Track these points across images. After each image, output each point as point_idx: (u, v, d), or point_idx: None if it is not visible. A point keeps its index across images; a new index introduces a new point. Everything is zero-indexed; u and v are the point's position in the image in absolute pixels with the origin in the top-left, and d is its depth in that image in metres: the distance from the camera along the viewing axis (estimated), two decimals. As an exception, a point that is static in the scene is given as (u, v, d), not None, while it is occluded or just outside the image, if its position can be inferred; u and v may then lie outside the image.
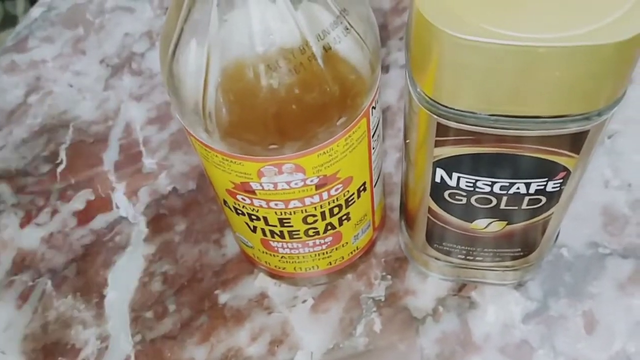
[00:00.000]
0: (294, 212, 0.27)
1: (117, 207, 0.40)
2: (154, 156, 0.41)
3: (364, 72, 0.23)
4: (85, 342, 0.35)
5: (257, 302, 0.35)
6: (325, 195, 0.27)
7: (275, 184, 0.25)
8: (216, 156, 0.24)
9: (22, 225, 0.40)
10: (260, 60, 0.21)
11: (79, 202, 0.40)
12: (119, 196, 0.40)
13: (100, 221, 0.39)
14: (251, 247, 0.32)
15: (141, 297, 0.36)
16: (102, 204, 0.40)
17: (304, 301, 0.35)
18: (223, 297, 0.35)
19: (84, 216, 0.40)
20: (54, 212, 0.40)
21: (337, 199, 0.27)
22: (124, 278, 0.37)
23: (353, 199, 0.28)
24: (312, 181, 0.25)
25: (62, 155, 0.42)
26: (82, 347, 0.35)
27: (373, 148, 0.27)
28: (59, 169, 0.42)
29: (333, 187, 0.26)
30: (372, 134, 0.26)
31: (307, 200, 0.26)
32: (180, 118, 0.24)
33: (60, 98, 0.45)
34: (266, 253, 0.32)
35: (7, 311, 0.36)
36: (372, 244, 0.34)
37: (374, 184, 0.29)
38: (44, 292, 0.37)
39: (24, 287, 0.37)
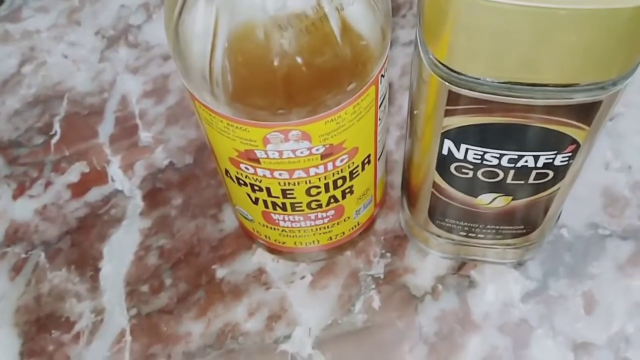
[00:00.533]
0: (298, 183, 0.27)
1: (113, 180, 0.39)
2: (150, 130, 0.41)
3: (375, 38, 0.23)
4: (79, 315, 0.34)
5: (254, 278, 0.35)
6: (330, 166, 0.26)
7: (280, 152, 0.25)
8: (221, 121, 0.24)
9: (15, 196, 0.39)
10: (271, 20, 0.21)
11: (73, 174, 0.39)
12: (114, 169, 0.39)
13: (95, 194, 0.38)
14: (251, 220, 0.31)
15: (137, 270, 0.35)
16: (97, 176, 0.39)
17: (303, 277, 0.34)
18: (220, 272, 0.35)
19: (78, 189, 0.39)
20: (48, 184, 0.39)
21: (341, 170, 0.27)
22: (119, 251, 0.36)
23: (357, 171, 0.28)
24: (317, 150, 0.25)
25: (56, 127, 0.41)
26: (76, 320, 0.34)
27: (379, 119, 0.27)
28: (53, 141, 0.41)
29: (338, 157, 0.26)
30: (379, 103, 0.26)
31: (312, 171, 0.26)
32: (185, 82, 0.24)
33: (54, 69, 0.44)
34: (266, 226, 0.31)
35: (0, 284, 0.36)
36: (372, 221, 0.34)
37: (378, 156, 0.29)
38: (37, 264, 0.36)
39: (17, 259, 0.37)
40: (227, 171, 0.28)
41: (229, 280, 0.34)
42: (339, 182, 0.28)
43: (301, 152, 0.25)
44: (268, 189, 0.27)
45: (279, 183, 0.27)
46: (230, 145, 0.25)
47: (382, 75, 0.25)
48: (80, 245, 0.37)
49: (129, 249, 0.36)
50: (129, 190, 0.38)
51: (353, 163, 0.27)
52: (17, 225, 0.38)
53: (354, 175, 0.28)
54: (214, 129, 0.25)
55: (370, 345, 0.32)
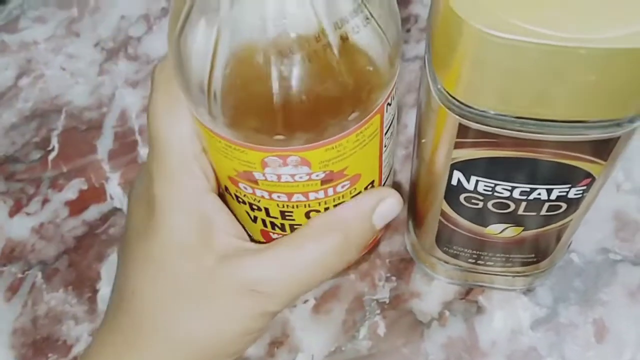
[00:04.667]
0: (297, 206, 0.26)
1: (112, 198, 0.38)
2: (150, 145, 0.40)
3: (381, 66, 0.22)
4: (76, 338, 0.34)
5: (256, 301, 0.34)
6: (330, 192, 0.25)
7: (279, 176, 0.24)
8: (219, 142, 0.23)
9: (11, 214, 0.38)
10: (272, 46, 0.20)
11: (71, 191, 0.39)
12: (113, 186, 0.39)
13: (93, 212, 0.38)
14: (250, 237, 0.31)
15: (135, 292, 0.34)
16: (95, 194, 0.38)
17: (305, 301, 0.33)
18: (221, 295, 0.34)
19: (76, 206, 0.38)
20: (45, 201, 0.38)
21: (342, 196, 0.26)
22: (117, 272, 0.35)
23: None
24: (317, 176, 0.24)
25: (54, 142, 0.41)
26: (73, 343, 0.33)
27: (385, 146, 0.26)
28: (51, 156, 0.40)
29: (339, 183, 0.25)
30: (385, 131, 0.25)
31: (312, 195, 0.25)
32: (184, 97, 0.23)
33: (52, 82, 0.43)
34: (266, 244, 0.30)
35: (-5, 304, 0.35)
36: (376, 243, 0.33)
37: (382, 182, 0.28)
38: (34, 284, 0.35)
39: (13, 278, 0.36)
40: (226, 188, 0.27)
41: (230, 304, 0.34)
42: None
43: (300, 177, 0.24)
44: (267, 209, 0.26)
45: (278, 205, 0.26)
46: (229, 165, 0.24)
47: (389, 104, 0.24)
48: (77, 265, 0.36)
49: (127, 270, 0.35)
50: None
51: (355, 189, 0.26)
52: (13, 244, 0.37)
53: None
54: (213, 148, 0.24)
55: (375, 374, 0.31)
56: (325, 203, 0.26)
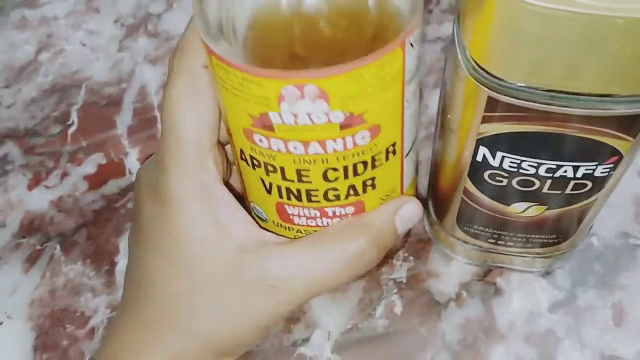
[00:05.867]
0: (314, 161, 0.25)
1: (131, 173, 0.38)
2: (169, 122, 0.40)
3: None
4: (94, 310, 0.34)
5: (273, 278, 0.34)
6: (350, 143, 0.24)
7: (296, 116, 0.23)
8: (236, 76, 0.22)
9: (31, 187, 0.38)
10: None
11: (90, 166, 0.39)
12: (132, 162, 0.39)
13: (112, 187, 0.38)
14: (265, 220, 0.30)
15: (153, 267, 0.35)
16: (114, 169, 0.38)
17: (323, 279, 0.33)
18: (238, 271, 0.34)
19: (95, 181, 0.38)
20: (64, 175, 0.39)
21: (362, 152, 0.25)
22: (135, 246, 0.35)
23: (381, 159, 0.26)
24: (336, 117, 0.23)
25: (74, 117, 0.41)
26: (91, 315, 0.34)
27: (407, 100, 0.25)
28: (70, 131, 0.40)
29: (359, 131, 0.24)
30: (407, 79, 0.24)
31: (330, 146, 0.24)
32: (202, 33, 0.23)
33: (72, 57, 0.43)
34: (282, 226, 0.30)
35: (14, 275, 0.35)
36: (397, 250, 0.33)
37: (405, 149, 0.27)
38: (53, 256, 0.36)
39: (32, 250, 0.36)
40: (242, 152, 0.26)
41: (247, 280, 0.34)
42: (360, 167, 0.26)
43: (318, 118, 0.23)
44: (282, 170, 0.26)
45: (294, 161, 0.25)
46: (245, 109, 0.23)
47: (412, 45, 0.23)
48: (96, 238, 0.36)
49: (145, 245, 0.35)
50: (146, 184, 0.37)
51: (376, 146, 0.25)
52: (32, 217, 0.37)
53: (377, 164, 0.26)
54: (229, 91, 0.23)
55: (391, 352, 0.31)
56: (345, 159, 0.25)
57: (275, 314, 0.25)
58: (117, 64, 0.43)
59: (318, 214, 0.28)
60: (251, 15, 0.20)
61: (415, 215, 0.26)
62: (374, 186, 0.27)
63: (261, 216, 0.30)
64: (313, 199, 0.27)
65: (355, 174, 0.26)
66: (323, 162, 0.25)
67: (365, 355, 0.31)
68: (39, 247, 0.36)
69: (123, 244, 0.36)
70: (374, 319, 0.32)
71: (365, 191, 0.27)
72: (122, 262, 0.35)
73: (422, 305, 0.32)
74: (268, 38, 0.21)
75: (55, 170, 0.39)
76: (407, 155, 0.27)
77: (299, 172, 0.25)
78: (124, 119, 0.40)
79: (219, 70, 0.23)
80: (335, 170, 0.25)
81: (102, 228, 0.36)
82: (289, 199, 0.27)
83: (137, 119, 0.40)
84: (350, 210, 0.28)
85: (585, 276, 0.32)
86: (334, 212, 0.28)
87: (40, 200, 0.38)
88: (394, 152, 0.26)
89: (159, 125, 0.40)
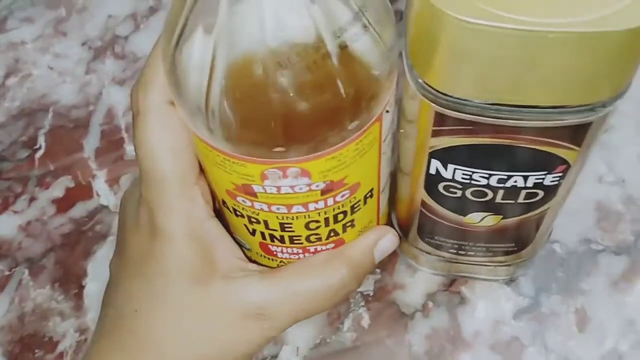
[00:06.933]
0: (297, 217, 0.26)
1: (98, 195, 0.38)
2: (137, 143, 0.40)
3: (380, 73, 0.22)
4: (63, 334, 0.34)
5: (242, 295, 0.34)
6: (330, 202, 0.25)
7: (278, 188, 0.24)
8: (217, 155, 0.23)
9: (-1, 212, 0.38)
10: (271, 56, 0.19)
11: (58, 189, 0.39)
12: (100, 184, 0.39)
13: (80, 209, 0.38)
14: (249, 249, 0.31)
15: (122, 288, 0.35)
16: (82, 191, 0.38)
17: (291, 294, 0.34)
18: (207, 290, 0.34)
19: (63, 204, 0.38)
20: (32, 199, 0.39)
21: (342, 205, 0.26)
22: (103, 269, 0.35)
23: (359, 205, 0.27)
24: (317, 186, 0.24)
25: (41, 141, 0.41)
26: (59, 339, 0.34)
27: (383, 153, 0.26)
28: (38, 155, 0.40)
29: (339, 193, 0.25)
30: (383, 138, 0.25)
31: (311, 206, 0.25)
32: (181, 113, 0.23)
33: (39, 81, 0.43)
34: (264, 257, 0.30)
35: (-18, 301, 0.35)
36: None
37: (381, 188, 0.28)
38: (21, 282, 0.36)
39: (1, 276, 0.36)
40: (224, 201, 0.27)
41: (216, 298, 0.34)
42: (340, 216, 0.26)
43: (300, 189, 0.24)
44: (266, 222, 0.26)
45: (277, 217, 0.26)
46: (227, 178, 0.24)
47: (387, 111, 0.24)
48: (64, 262, 0.36)
49: (114, 266, 0.35)
50: (114, 205, 0.38)
51: (355, 198, 0.26)
52: (0, 242, 0.37)
53: (356, 210, 0.27)
54: (210, 162, 0.24)
55: (360, 365, 0.31)
56: (325, 213, 0.26)
57: (262, 340, 0.25)
58: (84, 87, 0.43)
59: (300, 251, 0.29)
60: (227, 95, 0.20)
61: (393, 246, 0.28)
62: (352, 226, 0.28)
63: (244, 246, 0.30)
64: (295, 241, 0.27)
65: (336, 221, 0.26)
66: (305, 217, 0.25)
67: (334, 369, 0.32)
68: (7, 273, 0.36)
69: (91, 266, 0.36)
70: (342, 332, 0.32)
71: (344, 231, 0.28)
72: (89, 285, 0.35)
73: (388, 316, 0.33)
74: (247, 114, 0.21)
75: (22, 195, 0.39)
76: (382, 191, 0.28)
77: (282, 225, 0.26)
78: (91, 142, 0.40)
79: (200, 145, 0.23)
80: (316, 221, 0.26)
81: (70, 251, 0.36)
82: (272, 241, 0.28)
83: (105, 140, 0.40)
84: (330, 246, 0.29)
85: (549, 282, 0.33)
86: (315, 249, 0.28)
87: (8, 225, 0.38)
88: (371, 196, 0.27)
89: (127, 147, 0.40)
